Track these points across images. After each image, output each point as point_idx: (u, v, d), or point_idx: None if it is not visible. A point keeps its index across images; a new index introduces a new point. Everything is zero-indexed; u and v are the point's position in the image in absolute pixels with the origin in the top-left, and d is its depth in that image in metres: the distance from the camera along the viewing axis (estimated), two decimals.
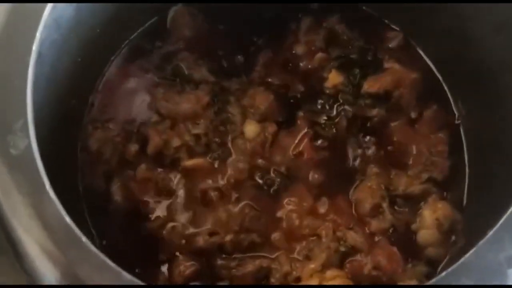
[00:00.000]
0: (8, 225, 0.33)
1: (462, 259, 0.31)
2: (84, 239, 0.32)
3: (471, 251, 0.31)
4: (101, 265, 0.31)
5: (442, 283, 0.30)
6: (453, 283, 0.30)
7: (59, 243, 0.32)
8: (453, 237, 0.47)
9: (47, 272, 0.32)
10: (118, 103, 0.53)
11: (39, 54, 0.39)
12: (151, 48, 0.55)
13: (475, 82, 0.50)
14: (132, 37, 0.55)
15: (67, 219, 0.32)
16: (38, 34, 0.39)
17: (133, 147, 0.51)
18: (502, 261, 0.31)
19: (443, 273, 0.31)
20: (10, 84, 0.37)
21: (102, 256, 0.31)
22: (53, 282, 0.32)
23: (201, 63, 0.54)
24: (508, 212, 0.33)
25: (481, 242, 0.32)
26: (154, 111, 0.52)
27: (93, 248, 0.32)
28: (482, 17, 0.47)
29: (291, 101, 0.53)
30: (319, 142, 0.51)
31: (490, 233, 0.32)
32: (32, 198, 0.33)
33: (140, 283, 0.31)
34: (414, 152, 0.51)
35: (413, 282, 0.44)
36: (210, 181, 0.49)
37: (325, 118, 0.52)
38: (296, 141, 0.51)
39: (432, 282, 0.31)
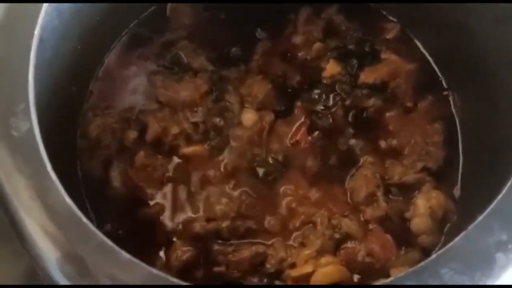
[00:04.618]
0: (10, 206, 0.34)
1: (452, 243, 0.32)
2: (84, 219, 0.32)
3: (460, 235, 0.32)
4: (101, 245, 0.32)
5: (431, 265, 0.31)
6: (442, 266, 0.31)
7: (60, 224, 0.33)
8: (446, 226, 0.48)
9: (48, 252, 0.32)
10: (118, 91, 0.53)
11: (41, 40, 0.39)
12: (151, 36, 0.55)
13: (471, 73, 0.51)
14: (132, 25, 0.56)
15: (68, 200, 0.33)
16: (39, 20, 0.39)
17: (132, 134, 0.51)
18: (491, 246, 0.32)
19: (433, 256, 0.32)
20: (12, 68, 0.37)
21: (102, 236, 0.32)
22: (53, 262, 0.33)
23: (200, 52, 0.54)
24: (499, 198, 0.34)
25: (470, 227, 0.32)
26: (153, 99, 0.53)
27: (93, 228, 0.32)
28: (480, 10, 0.47)
29: (289, 90, 0.54)
30: (316, 131, 0.52)
31: (480, 218, 0.33)
32: (33, 179, 0.34)
33: (138, 262, 0.32)
34: (410, 142, 0.51)
35: (406, 269, 0.45)
36: (207, 168, 0.50)
37: (322, 107, 0.53)
38: (293, 130, 0.52)
39: (421, 264, 0.31)
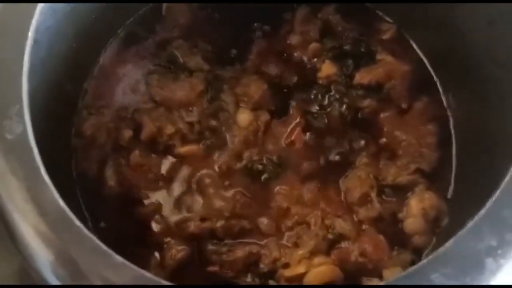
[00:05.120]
0: (3, 208, 0.34)
1: (442, 248, 0.32)
2: (77, 222, 0.33)
3: (451, 240, 0.32)
4: (94, 248, 0.32)
5: (422, 270, 0.32)
6: (433, 270, 0.31)
7: (53, 226, 0.33)
8: (438, 227, 0.48)
9: (42, 254, 0.33)
10: (113, 89, 0.53)
11: (35, 40, 0.39)
12: (146, 35, 0.55)
13: (466, 75, 0.51)
14: (127, 23, 0.56)
15: (61, 203, 0.33)
16: (33, 21, 0.39)
17: (127, 133, 0.51)
18: (481, 251, 0.32)
19: (424, 261, 0.32)
20: (6, 70, 0.37)
21: (94, 239, 0.32)
22: (46, 264, 0.33)
23: (195, 51, 0.54)
24: (489, 203, 0.34)
25: (461, 232, 0.33)
26: (148, 98, 0.53)
27: (86, 231, 0.32)
28: (476, 10, 0.47)
29: (284, 90, 0.54)
30: (311, 131, 0.52)
31: (471, 223, 0.33)
32: (27, 182, 0.34)
33: (130, 265, 0.32)
34: (404, 143, 0.52)
35: (398, 270, 0.45)
36: (202, 168, 0.50)
37: (317, 108, 0.53)
38: (288, 130, 0.52)
39: (412, 268, 0.32)
